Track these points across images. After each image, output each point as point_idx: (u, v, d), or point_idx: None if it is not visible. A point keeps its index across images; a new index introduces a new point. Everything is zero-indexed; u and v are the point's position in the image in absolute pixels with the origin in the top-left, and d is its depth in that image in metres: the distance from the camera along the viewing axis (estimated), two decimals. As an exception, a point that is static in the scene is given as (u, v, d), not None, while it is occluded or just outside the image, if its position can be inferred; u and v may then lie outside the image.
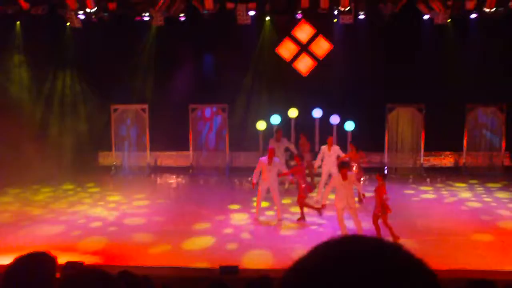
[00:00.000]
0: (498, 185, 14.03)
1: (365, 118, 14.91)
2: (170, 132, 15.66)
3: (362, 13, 14.67)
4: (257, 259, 8.45)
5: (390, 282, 0.91)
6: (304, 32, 15.99)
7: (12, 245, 8.71)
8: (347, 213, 9.34)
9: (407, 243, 8.75)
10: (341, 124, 15.16)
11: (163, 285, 5.52)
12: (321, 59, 15.97)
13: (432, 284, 0.97)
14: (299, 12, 15.12)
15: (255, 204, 10.99)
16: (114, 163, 16.20)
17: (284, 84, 15.69)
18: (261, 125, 15.18)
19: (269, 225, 10.53)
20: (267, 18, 15.90)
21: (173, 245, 9.10)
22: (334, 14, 14.90)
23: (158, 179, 15.52)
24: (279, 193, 10.86)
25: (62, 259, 7.23)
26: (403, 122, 15.72)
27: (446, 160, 16.34)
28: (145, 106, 16.00)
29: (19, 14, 14.51)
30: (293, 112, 15.42)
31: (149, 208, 11.86)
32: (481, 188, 13.70)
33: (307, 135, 14.01)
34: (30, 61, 15.47)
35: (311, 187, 10.84)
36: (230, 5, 14.44)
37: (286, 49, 16.09)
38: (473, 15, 14.49)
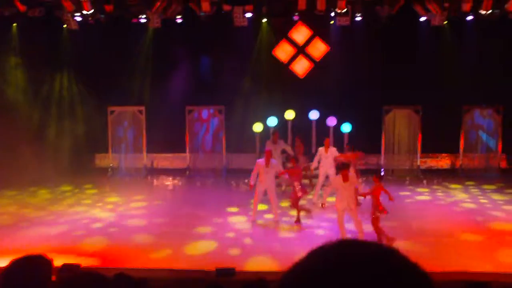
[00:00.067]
0: (494, 187, 14.07)
1: (361, 120, 14.94)
2: (166, 134, 15.65)
3: (359, 15, 14.70)
4: (258, 262, 8.39)
5: (385, 286, 0.92)
6: (301, 34, 16.02)
7: (11, 247, 8.66)
8: (348, 215, 9.35)
9: (403, 245, 8.76)
10: (337, 126, 15.18)
11: (160, 287, 5.51)
12: (318, 61, 16.00)
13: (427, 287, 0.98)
14: (296, 14, 15.15)
15: (252, 206, 10.98)
16: (111, 165, 16.19)
17: (281, 86, 15.70)
18: (257, 127, 15.19)
19: (267, 227, 10.51)
20: (264, 20, 15.92)
21: (174, 249, 8.96)
22: (331, 16, 14.94)
23: (155, 181, 15.50)
24: (276, 195, 10.86)
25: (63, 261, 7.24)
26: (400, 123, 15.74)
27: (443, 161, 16.38)
28: (142, 108, 16.01)
29: (15, 16, 14.50)
30: (289, 114, 15.43)
31: (148, 210, 11.84)
32: (477, 190, 13.74)
33: (301, 137, 14.02)
34: (26, 63, 15.44)
35: (306, 189, 10.83)
36: (227, 7, 14.45)
37: (283, 51, 16.11)
38: (470, 17, 14.54)
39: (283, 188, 13.13)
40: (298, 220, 10.52)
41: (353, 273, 0.93)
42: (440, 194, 13.42)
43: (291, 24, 15.88)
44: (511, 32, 14.68)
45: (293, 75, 16.05)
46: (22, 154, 13.70)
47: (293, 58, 16.09)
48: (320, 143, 13.28)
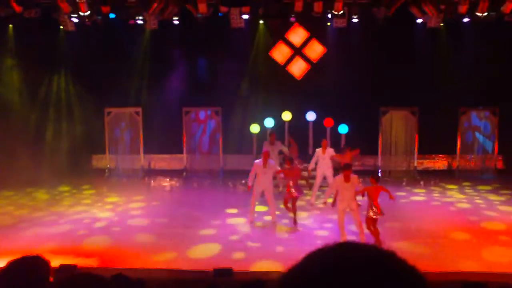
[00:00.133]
0: (490, 187, 14.13)
1: (358, 121, 14.96)
2: (163, 135, 15.65)
3: (355, 16, 14.72)
4: (255, 263, 8.38)
5: None
6: (297, 35, 16.04)
7: (12, 247, 8.63)
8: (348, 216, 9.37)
9: (400, 245, 8.79)
10: (335, 127, 15.20)
11: (157, 289, 5.50)
12: (314, 62, 16.02)
13: None
14: (293, 15, 15.16)
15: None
16: (108, 166, 16.17)
17: (278, 87, 15.71)
18: (255, 128, 15.20)
19: (265, 229, 10.49)
20: (261, 22, 15.93)
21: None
22: (327, 17, 14.96)
23: (152, 182, 15.48)
24: (274, 196, 10.86)
25: (67, 262, 7.23)
26: (397, 125, 15.78)
27: (440, 163, 16.42)
28: (139, 109, 16.00)
29: (12, 17, 14.45)
30: (286, 115, 15.44)
31: (147, 211, 11.84)
32: (473, 191, 13.81)
33: (295, 138, 14.01)
34: (23, 64, 15.42)
35: (301, 191, 10.84)
36: (223, 9, 14.46)
37: (280, 53, 16.13)
38: (466, 19, 14.58)
39: (280, 189, 13.13)
40: (294, 221, 10.52)
41: (350, 276, 0.94)
42: (436, 195, 13.47)
43: (288, 26, 15.91)
44: (507, 34, 14.75)
45: (290, 76, 16.07)
46: (19, 155, 13.67)
47: (290, 60, 16.11)
48: (317, 144, 13.31)
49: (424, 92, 15.00)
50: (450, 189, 14.07)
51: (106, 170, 16.09)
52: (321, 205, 12.17)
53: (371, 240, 9.05)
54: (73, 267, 6.84)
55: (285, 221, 10.79)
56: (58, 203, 12.68)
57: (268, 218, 10.97)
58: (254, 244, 9.36)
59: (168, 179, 15.56)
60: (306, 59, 16.07)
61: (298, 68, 16.12)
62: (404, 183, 14.80)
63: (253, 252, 8.94)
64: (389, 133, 15.80)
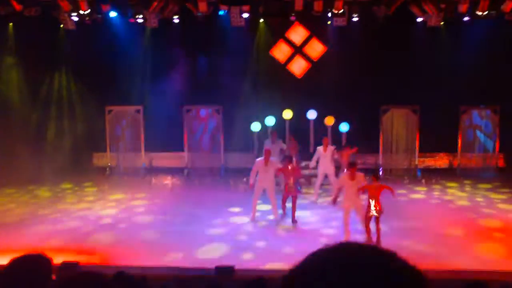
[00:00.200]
0: (491, 186, 14.14)
1: (359, 119, 14.96)
2: (164, 133, 15.64)
3: (355, 15, 14.71)
4: (258, 262, 8.37)
5: None
6: (298, 34, 16.03)
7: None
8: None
9: (401, 243, 8.79)
10: (335, 126, 15.20)
11: (159, 285, 5.51)
12: (315, 61, 16.02)
13: None
14: (293, 14, 15.15)
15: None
16: (109, 164, 16.17)
17: (279, 86, 15.70)
18: (255, 127, 15.19)
19: (267, 227, 10.50)
20: (261, 20, 15.92)
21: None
22: (328, 16, 14.95)
23: (153, 180, 15.48)
24: (275, 194, 10.85)
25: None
26: (398, 123, 15.77)
27: (441, 161, 16.41)
28: (140, 108, 16.00)
29: (12, 16, 14.43)
30: (287, 114, 15.43)
31: (150, 209, 11.87)
32: (474, 189, 13.83)
33: (296, 137, 13.98)
34: (23, 62, 15.42)
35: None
36: (224, 8, 14.46)
37: (280, 51, 16.13)
38: (466, 18, 14.57)
39: (282, 187, 13.12)
40: (293, 220, 10.52)
41: (351, 277, 0.94)
42: (437, 193, 13.50)
43: (288, 25, 15.90)
44: (507, 33, 14.74)
45: (290, 75, 16.07)
46: (20, 153, 13.69)
47: (290, 58, 16.11)
48: (318, 143, 13.31)
49: (425, 91, 14.99)
50: (451, 187, 14.10)
51: (107, 168, 16.09)
52: (325, 203, 12.19)
53: (376, 239, 9.06)
54: (75, 265, 6.84)
55: (289, 219, 10.76)
56: (60, 201, 12.72)
57: (271, 217, 10.95)
58: (261, 244, 9.32)
59: (169, 177, 15.57)
60: (306, 57, 16.06)
61: (298, 66, 16.12)
62: (405, 181, 14.81)
63: (261, 252, 8.88)
64: (390, 132, 15.79)
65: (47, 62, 15.84)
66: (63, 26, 15.41)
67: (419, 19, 14.91)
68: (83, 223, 10.72)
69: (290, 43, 16.07)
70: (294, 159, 11.62)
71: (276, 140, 13.32)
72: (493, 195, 13.08)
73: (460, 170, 15.68)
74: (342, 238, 9.22)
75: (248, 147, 15.40)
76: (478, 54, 14.85)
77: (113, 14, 14.77)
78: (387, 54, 14.97)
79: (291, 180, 10.45)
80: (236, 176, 14.87)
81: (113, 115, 16.17)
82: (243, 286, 5.10)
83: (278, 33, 16.02)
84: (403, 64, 14.87)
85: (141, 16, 14.73)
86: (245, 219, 10.89)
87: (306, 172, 13.51)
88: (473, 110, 15.82)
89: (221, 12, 14.95)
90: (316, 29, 15.84)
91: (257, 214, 10.99)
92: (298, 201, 10.83)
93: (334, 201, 12.04)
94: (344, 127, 15.07)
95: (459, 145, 15.76)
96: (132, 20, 14.93)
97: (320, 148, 12.53)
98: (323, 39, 15.94)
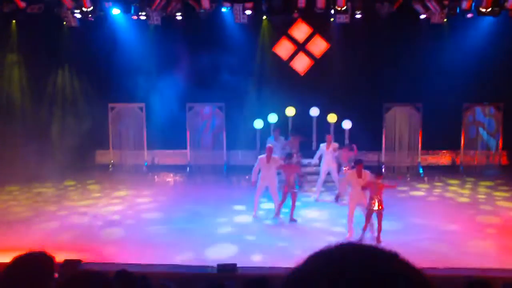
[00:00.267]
0: (493, 183, 14.11)
1: (362, 117, 14.92)
2: (167, 131, 15.65)
3: (358, 12, 14.66)
4: (259, 259, 8.37)
5: None
6: (301, 31, 16.01)
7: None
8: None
9: (403, 241, 8.78)
10: (338, 123, 15.17)
11: (161, 284, 5.52)
12: (318, 58, 16.00)
13: None
14: (296, 11, 15.11)
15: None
16: (112, 161, 16.20)
17: (281, 83, 15.69)
18: (258, 124, 15.19)
19: (270, 224, 10.51)
20: (264, 18, 15.90)
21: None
22: (330, 13, 14.90)
23: (156, 177, 15.50)
24: (277, 191, 10.84)
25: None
26: (401, 121, 15.74)
27: (443, 158, 16.38)
28: (142, 105, 16.01)
29: (15, 13, 14.45)
30: (290, 111, 15.42)
31: (154, 207, 11.92)
32: (477, 187, 13.81)
33: (297, 134, 13.95)
34: (26, 60, 15.44)
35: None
36: (226, 5, 14.44)
37: (283, 48, 16.11)
38: (469, 15, 14.50)
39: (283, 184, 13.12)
40: (291, 218, 10.52)
41: (353, 277, 0.94)
42: (440, 190, 13.48)
43: (291, 22, 15.87)
44: (511, 29, 14.67)
45: (293, 72, 16.05)
46: (23, 151, 13.72)
47: (293, 55, 16.09)
48: (321, 140, 13.30)
49: (428, 88, 14.94)
50: (454, 185, 14.08)
51: (110, 166, 16.12)
52: (327, 200, 12.21)
53: (383, 236, 9.04)
54: (77, 262, 6.86)
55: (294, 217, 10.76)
56: (64, 198, 12.75)
57: (275, 215, 10.93)
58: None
59: (172, 175, 15.58)
60: (309, 54, 16.04)
61: (301, 63, 16.09)
62: (408, 179, 14.79)
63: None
64: (393, 129, 15.76)
65: (50, 60, 15.85)
66: (66, 24, 15.41)
67: (422, 16, 14.85)
68: (87, 220, 10.76)
69: (293, 40, 16.05)
70: (295, 155, 11.62)
71: (279, 137, 13.31)
72: (498, 193, 13.06)
73: (463, 167, 15.64)
74: (347, 236, 9.25)
75: (251, 144, 15.39)
76: (482, 51, 14.79)
77: (116, 11, 14.76)
78: (390, 51, 14.93)
79: (292, 178, 10.46)
80: (239, 173, 14.86)
81: (116, 113, 16.19)
82: (245, 285, 5.11)
83: (281, 30, 16.00)
84: (406, 61, 14.83)
85: (144, 13, 14.72)
86: (249, 218, 10.89)
87: (308, 169, 13.50)
88: (476, 107, 15.77)
89: (224, 9, 14.95)
90: (319, 26, 15.81)
91: (262, 212, 10.98)
92: (304, 200, 10.83)
93: (338, 199, 12.04)
94: (346, 124, 15.04)
95: (462, 142, 15.72)
96: (135, 17, 14.92)
97: (323, 146, 12.53)
98: (326, 36, 15.91)
